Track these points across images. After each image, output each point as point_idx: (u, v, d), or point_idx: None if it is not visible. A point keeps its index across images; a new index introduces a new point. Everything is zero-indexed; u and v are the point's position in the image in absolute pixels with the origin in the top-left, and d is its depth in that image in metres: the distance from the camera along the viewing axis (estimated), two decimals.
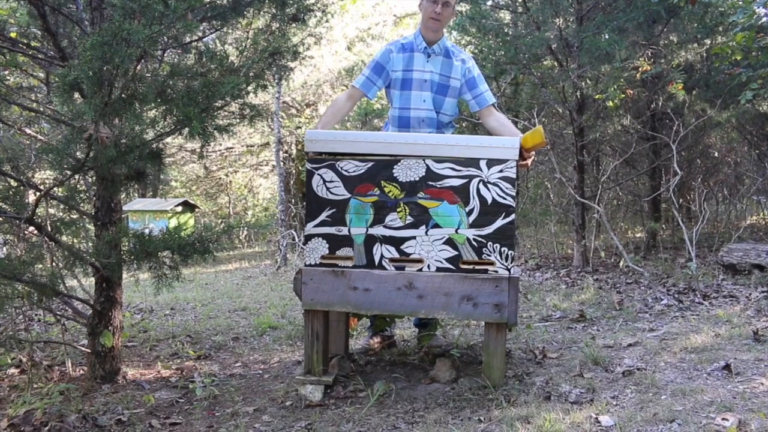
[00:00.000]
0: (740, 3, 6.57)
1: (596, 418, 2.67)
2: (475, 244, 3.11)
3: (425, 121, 3.74)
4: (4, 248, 4.37)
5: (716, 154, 9.96)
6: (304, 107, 15.26)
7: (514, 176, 3.10)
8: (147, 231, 3.62)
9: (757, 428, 2.45)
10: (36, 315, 5.53)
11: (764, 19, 7.29)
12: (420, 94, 3.73)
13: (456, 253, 3.13)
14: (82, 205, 3.71)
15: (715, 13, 7.45)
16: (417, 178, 3.17)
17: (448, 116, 3.80)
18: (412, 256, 3.18)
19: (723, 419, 2.54)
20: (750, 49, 6.56)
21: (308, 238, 3.30)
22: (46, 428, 2.92)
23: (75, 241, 3.89)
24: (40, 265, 3.42)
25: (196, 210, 14.64)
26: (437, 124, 3.76)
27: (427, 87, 3.72)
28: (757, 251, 5.70)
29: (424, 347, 3.96)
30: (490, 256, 3.10)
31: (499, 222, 3.09)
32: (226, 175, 18.11)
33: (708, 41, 7.80)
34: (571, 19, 7.25)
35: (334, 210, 3.26)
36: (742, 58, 6.75)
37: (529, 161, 3.41)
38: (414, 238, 3.18)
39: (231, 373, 3.84)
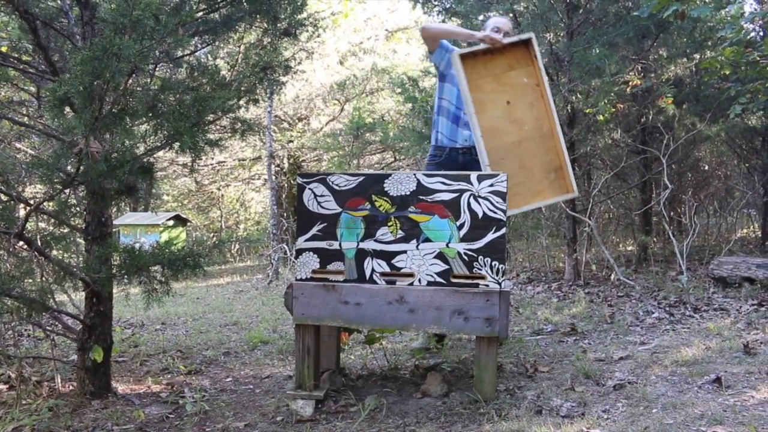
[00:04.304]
0: (728, 18, 6.63)
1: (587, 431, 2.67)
2: (466, 258, 3.12)
3: (467, 125, 4.00)
4: None
5: (706, 168, 10.02)
6: (296, 121, 15.29)
7: (505, 190, 3.11)
8: (138, 245, 3.61)
9: None
10: (25, 330, 5.50)
11: (752, 34, 7.36)
12: None
13: (447, 267, 3.14)
14: (72, 219, 3.70)
15: (704, 28, 7.52)
16: (408, 192, 3.17)
17: None
18: (403, 270, 3.18)
19: None
20: (738, 64, 6.62)
21: (299, 252, 3.30)
22: None
23: (65, 255, 3.88)
24: (30, 280, 3.40)
25: (188, 224, 14.59)
26: None
27: None
28: (748, 264, 5.72)
29: (416, 361, 3.96)
30: (481, 270, 3.10)
31: (490, 236, 3.10)
32: (218, 189, 18.07)
33: (697, 56, 7.87)
34: (561, 34, 7.30)
35: (325, 224, 3.26)
36: (730, 72, 6.81)
37: None
38: (405, 252, 3.18)
39: (222, 388, 3.83)
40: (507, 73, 3.84)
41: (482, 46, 3.81)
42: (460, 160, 4.19)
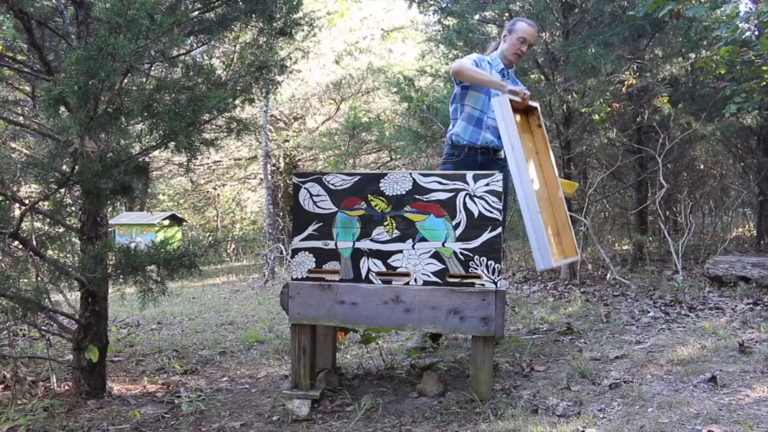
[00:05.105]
0: (724, 18, 6.63)
1: (583, 431, 2.67)
2: (461, 257, 3.12)
3: (489, 129, 4.18)
4: None
5: (702, 167, 10.03)
6: (292, 120, 15.28)
7: (501, 189, 3.11)
8: (133, 245, 3.61)
9: None
10: (21, 330, 5.49)
11: (747, 34, 7.37)
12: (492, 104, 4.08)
13: (443, 266, 3.14)
14: (68, 219, 3.70)
15: (700, 27, 7.53)
16: (403, 192, 3.17)
17: None
18: (399, 270, 3.18)
19: (709, 431, 2.54)
20: (734, 63, 6.62)
21: (295, 251, 3.30)
22: None
23: (60, 255, 3.87)
24: (25, 280, 3.39)
25: (184, 223, 14.58)
26: (498, 134, 4.00)
27: None
28: (743, 263, 5.73)
29: (411, 360, 3.96)
30: (476, 269, 3.10)
31: (486, 235, 3.10)
32: (214, 189, 18.07)
33: (693, 55, 7.88)
34: (557, 33, 7.31)
35: (321, 224, 3.26)
36: (726, 71, 6.81)
37: None
38: (401, 251, 3.18)
39: (218, 388, 3.82)
40: (521, 134, 3.84)
41: (515, 98, 3.86)
42: (479, 159, 4.20)
